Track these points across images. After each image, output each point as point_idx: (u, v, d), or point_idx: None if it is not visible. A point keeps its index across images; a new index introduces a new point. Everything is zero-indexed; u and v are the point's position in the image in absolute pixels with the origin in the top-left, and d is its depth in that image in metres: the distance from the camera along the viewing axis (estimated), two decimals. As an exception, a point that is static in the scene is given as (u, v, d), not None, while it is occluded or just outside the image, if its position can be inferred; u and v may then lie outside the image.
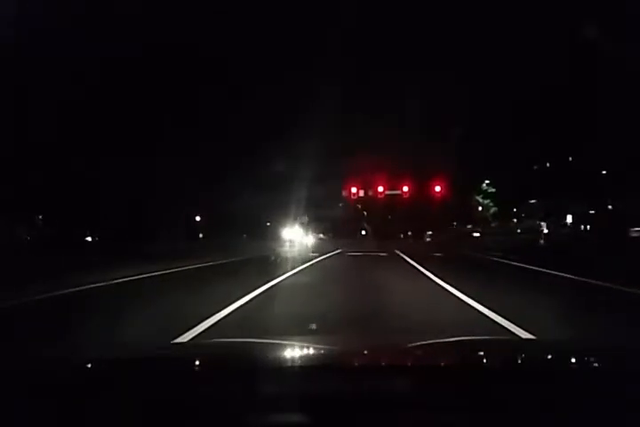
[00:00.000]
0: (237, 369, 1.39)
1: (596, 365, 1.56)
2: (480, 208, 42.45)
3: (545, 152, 34.37)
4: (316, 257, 19.92)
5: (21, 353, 2.56)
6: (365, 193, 36.73)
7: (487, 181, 41.36)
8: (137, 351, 1.87)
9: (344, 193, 37.11)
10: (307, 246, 34.46)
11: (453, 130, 36.42)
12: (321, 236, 50.42)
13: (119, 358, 1.59)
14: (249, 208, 33.77)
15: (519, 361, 1.69)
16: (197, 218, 35.40)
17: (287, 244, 33.44)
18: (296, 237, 36.67)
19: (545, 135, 31.37)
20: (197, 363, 1.65)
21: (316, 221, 42.04)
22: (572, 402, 1.09)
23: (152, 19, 24.24)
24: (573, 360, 1.62)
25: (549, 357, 1.75)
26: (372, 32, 35.64)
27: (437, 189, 35.83)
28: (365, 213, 49.25)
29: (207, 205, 33.35)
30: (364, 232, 50.05)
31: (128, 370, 1.38)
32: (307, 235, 41.04)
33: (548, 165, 35.39)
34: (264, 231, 36.33)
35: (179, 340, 4.32)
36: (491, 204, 41.84)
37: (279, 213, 37.06)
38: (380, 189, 36.23)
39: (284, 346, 1.90)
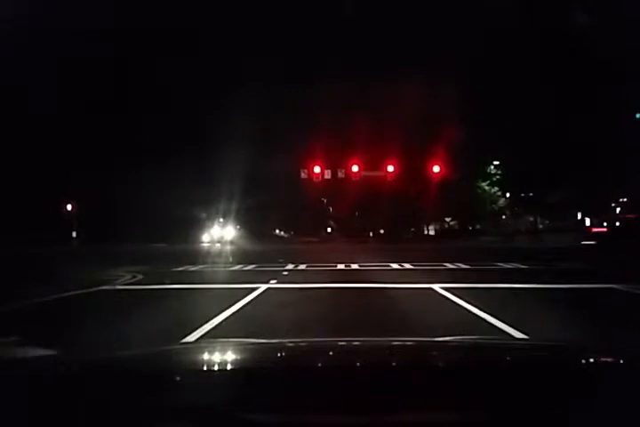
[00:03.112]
0: (241, 370, 1.46)
1: (587, 365, 1.54)
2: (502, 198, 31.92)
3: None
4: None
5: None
6: (334, 174, 26.31)
7: (496, 162, 31.24)
8: (142, 351, 1.92)
9: (303, 174, 26.61)
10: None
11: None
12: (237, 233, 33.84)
13: (122, 357, 1.63)
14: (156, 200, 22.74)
15: (509, 361, 1.65)
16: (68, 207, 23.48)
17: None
18: (228, 237, 25.44)
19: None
20: (203, 363, 1.64)
21: (254, 213, 30.86)
22: (563, 402, 1.09)
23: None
24: (565, 360, 1.61)
25: (541, 357, 1.70)
26: None
27: (436, 169, 25.38)
28: (331, 208, 38.53)
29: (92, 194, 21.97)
30: (329, 230, 39.11)
31: (130, 369, 1.41)
32: (238, 234, 29.63)
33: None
34: (185, 231, 24.94)
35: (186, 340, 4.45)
36: (498, 192, 31.76)
37: (211, 207, 26.10)
38: (355, 168, 25.75)
39: (289, 347, 1.90)
